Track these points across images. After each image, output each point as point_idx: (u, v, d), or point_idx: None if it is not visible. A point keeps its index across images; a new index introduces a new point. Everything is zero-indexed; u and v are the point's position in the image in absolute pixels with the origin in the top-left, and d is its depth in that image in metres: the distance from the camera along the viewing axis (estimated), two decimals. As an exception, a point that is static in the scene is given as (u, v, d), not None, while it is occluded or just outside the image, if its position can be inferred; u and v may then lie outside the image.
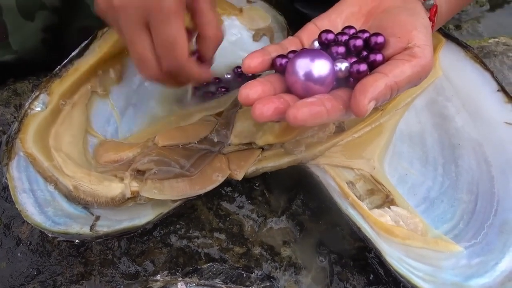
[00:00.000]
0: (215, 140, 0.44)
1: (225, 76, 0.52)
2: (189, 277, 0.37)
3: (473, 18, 0.89)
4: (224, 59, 0.54)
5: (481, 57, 0.62)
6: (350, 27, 0.36)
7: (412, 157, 0.47)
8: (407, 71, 0.33)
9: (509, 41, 0.69)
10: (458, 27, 0.87)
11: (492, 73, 0.47)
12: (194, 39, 0.42)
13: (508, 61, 0.63)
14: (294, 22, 0.62)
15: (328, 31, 0.35)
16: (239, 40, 0.57)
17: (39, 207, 0.39)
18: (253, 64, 0.34)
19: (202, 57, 0.42)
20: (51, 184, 0.41)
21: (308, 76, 0.32)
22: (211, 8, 0.40)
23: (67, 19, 0.55)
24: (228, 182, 0.44)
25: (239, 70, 0.52)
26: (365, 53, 0.34)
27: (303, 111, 0.30)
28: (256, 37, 0.57)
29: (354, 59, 0.33)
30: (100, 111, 0.47)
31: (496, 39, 0.69)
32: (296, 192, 0.48)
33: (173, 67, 0.38)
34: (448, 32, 0.51)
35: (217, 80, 0.52)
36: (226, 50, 0.55)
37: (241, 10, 0.57)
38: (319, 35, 0.35)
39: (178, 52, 0.37)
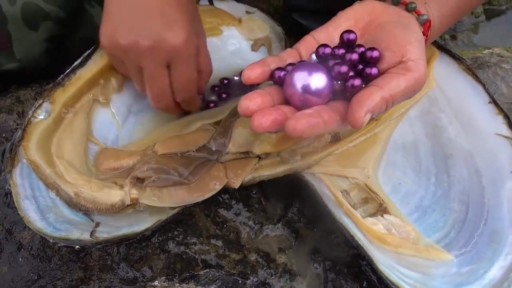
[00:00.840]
0: (213, 148, 0.45)
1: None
2: (186, 283, 0.37)
3: (469, 29, 0.90)
4: (224, 67, 0.56)
5: (475, 68, 0.64)
6: (349, 31, 0.36)
7: (406, 166, 0.48)
8: (401, 85, 0.34)
9: (503, 52, 0.70)
10: (453, 37, 0.88)
11: (484, 85, 0.48)
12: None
13: (501, 72, 0.64)
14: (291, 32, 0.63)
15: (325, 45, 0.36)
16: (238, 49, 0.58)
17: (41, 213, 0.40)
18: (252, 75, 0.35)
19: (200, 88, 0.48)
20: (52, 191, 0.42)
21: (306, 88, 0.33)
22: (207, 48, 0.47)
23: (71, 29, 0.57)
24: (225, 189, 0.45)
25: (225, 81, 0.54)
26: (361, 66, 0.35)
27: (302, 122, 0.31)
28: (255, 47, 0.58)
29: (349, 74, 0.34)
30: (101, 119, 0.48)
31: (491, 50, 0.70)
32: (292, 200, 0.49)
33: (187, 99, 0.46)
34: (442, 44, 0.52)
35: (216, 88, 0.53)
36: (226, 59, 0.57)
37: (240, 21, 0.59)
38: (317, 49, 0.36)
39: (194, 86, 0.45)
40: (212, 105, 0.52)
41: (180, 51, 0.42)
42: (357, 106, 0.31)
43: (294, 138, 0.44)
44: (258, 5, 0.77)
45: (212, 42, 0.56)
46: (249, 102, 0.32)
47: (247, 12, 0.60)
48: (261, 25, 0.59)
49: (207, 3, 0.58)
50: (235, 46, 0.58)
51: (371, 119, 0.48)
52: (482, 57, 0.68)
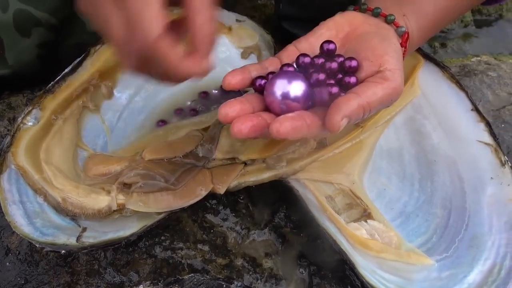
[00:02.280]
0: (200, 154, 0.46)
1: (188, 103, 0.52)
2: (171, 287, 0.38)
3: (459, 37, 0.91)
4: (213, 75, 0.57)
5: (462, 75, 0.65)
6: (329, 41, 0.38)
7: (391, 172, 0.49)
8: (378, 93, 0.35)
9: (491, 60, 0.72)
10: (443, 45, 0.89)
11: (467, 93, 0.49)
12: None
13: (488, 80, 0.65)
14: (281, 41, 0.64)
15: (305, 55, 0.37)
16: (228, 57, 0.58)
17: (28, 218, 0.41)
18: (233, 81, 0.36)
19: (195, 49, 0.33)
20: (40, 196, 0.42)
21: (285, 95, 0.34)
22: None
23: (63, 35, 0.57)
24: (213, 195, 0.46)
25: (203, 95, 0.53)
26: (340, 75, 0.36)
27: (286, 125, 0.31)
28: (244, 55, 0.59)
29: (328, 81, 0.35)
30: (90, 126, 0.49)
31: (479, 58, 0.71)
32: (279, 205, 0.49)
33: (140, 50, 0.30)
34: (431, 51, 0.53)
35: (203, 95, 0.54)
36: (215, 67, 0.57)
37: (230, 29, 0.59)
38: (297, 58, 0.37)
39: (144, 27, 0.29)
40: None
41: None
42: (334, 111, 0.32)
43: (278, 143, 0.44)
44: (250, 13, 0.78)
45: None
46: (228, 109, 0.33)
47: (237, 20, 0.61)
48: (251, 33, 0.60)
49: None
50: (225, 54, 0.59)
51: (357, 125, 0.49)
52: (470, 64, 0.69)
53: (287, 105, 0.33)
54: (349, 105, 0.33)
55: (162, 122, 0.51)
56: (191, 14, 0.32)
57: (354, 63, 0.36)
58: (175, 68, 0.32)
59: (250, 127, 0.32)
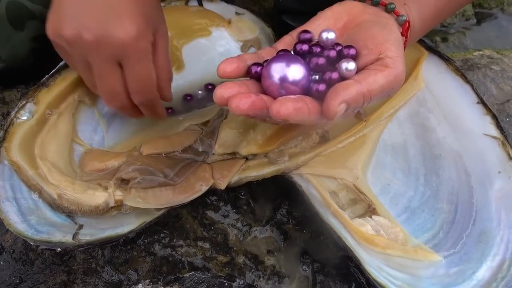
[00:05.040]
0: (200, 149, 0.45)
1: (198, 92, 0.52)
2: (171, 286, 0.37)
3: (460, 31, 0.91)
4: (213, 69, 0.55)
5: (465, 69, 0.64)
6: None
7: (395, 167, 0.48)
8: (380, 80, 0.33)
9: (493, 54, 0.71)
10: (444, 39, 0.89)
11: (472, 86, 0.48)
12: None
13: (491, 74, 0.65)
14: (281, 34, 0.63)
15: (303, 42, 0.36)
16: (227, 51, 0.57)
17: (22, 215, 0.39)
18: (228, 69, 0.34)
19: (161, 95, 0.44)
20: (35, 192, 0.41)
21: (284, 79, 0.32)
22: (166, 50, 0.42)
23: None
24: (213, 191, 0.45)
25: (210, 86, 0.52)
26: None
27: (287, 106, 0.30)
28: (244, 48, 0.58)
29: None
30: (87, 120, 0.48)
31: (481, 52, 0.71)
32: (281, 201, 0.48)
33: (145, 100, 0.41)
34: (431, 45, 0.52)
35: (188, 98, 0.51)
36: (215, 60, 0.56)
37: (229, 22, 0.58)
38: (294, 46, 0.36)
39: (152, 87, 0.41)
40: (210, 87, 0.49)
41: (130, 46, 0.37)
42: (332, 96, 0.31)
43: (280, 136, 0.43)
44: (249, 6, 0.77)
45: (201, 43, 0.55)
46: (224, 90, 0.32)
47: (236, 13, 0.60)
48: (251, 26, 0.59)
49: (197, 4, 0.58)
50: (225, 47, 0.57)
51: (359, 119, 0.48)
52: (473, 59, 0.69)
53: (286, 89, 0.32)
54: (348, 91, 0.31)
55: (170, 110, 0.49)
56: (159, 69, 0.41)
57: (352, 51, 0.35)
58: (160, 111, 0.44)
59: (249, 104, 0.31)
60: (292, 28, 0.69)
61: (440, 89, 0.49)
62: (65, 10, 0.38)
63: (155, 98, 0.42)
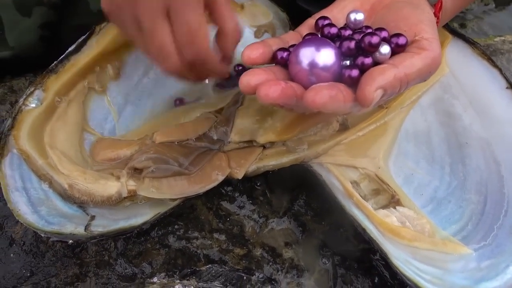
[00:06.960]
0: (215, 137, 0.43)
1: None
2: (187, 280, 0.35)
3: (478, 17, 0.88)
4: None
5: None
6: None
7: (418, 156, 0.46)
8: (417, 64, 0.31)
9: (515, 39, 0.68)
10: (463, 25, 0.86)
11: (500, 70, 0.46)
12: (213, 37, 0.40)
13: (515, 59, 0.62)
14: (296, 18, 0.61)
15: (331, 25, 0.34)
16: (241, 37, 0.55)
17: (32, 206, 0.38)
18: (253, 55, 0.32)
19: (222, 53, 0.40)
20: (45, 182, 0.39)
21: (313, 65, 0.30)
22: (228, 3, 0.39)
23: (65, 16, 0.54)
24: (228, 181, 0.43)
25: (240, 67, 0.50)
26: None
27: (323, 93, 0.28)
28: (258, 33, 0.56)
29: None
30: (97, 108, 0.46)
31: (502, 38, 0.68)
32: (299, 192, 0.46)
33: (195, 57, 0.37)
34: (454, 28, 0.49)
35: (240, 68, 0.48)
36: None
37: (242, 7, 0.56)
38: (321, 29, 0.34)
39: (201, 39, 0.36)
40: (240, 68, 0.45)
41: None
42: (367, 81, 0.29)
43: (300, 123, 0.41)
44: (261, -8, 0.74)
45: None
46: (251, 77, 0.30)
47: (249, -3, 0.58)
48: (264, 11, 0.57)
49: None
50: (238, 33, 0.56)
51: (380, 106, 0.46)
52: (494, 44, 0.66)
53: (317, 75, 0.30)
54: (385, 75, 0.29)
55: (180, 101, 0.47)
56: (221, 22, 0.38)
57: (402, 40, 0.32)
58: (215, 70, 0.40)
59: (279, 92, 0.29)
60: (307, 12, 0.67)
61: (466, 74, 0.47)
62: None
63: (207, 51, 0.37)
